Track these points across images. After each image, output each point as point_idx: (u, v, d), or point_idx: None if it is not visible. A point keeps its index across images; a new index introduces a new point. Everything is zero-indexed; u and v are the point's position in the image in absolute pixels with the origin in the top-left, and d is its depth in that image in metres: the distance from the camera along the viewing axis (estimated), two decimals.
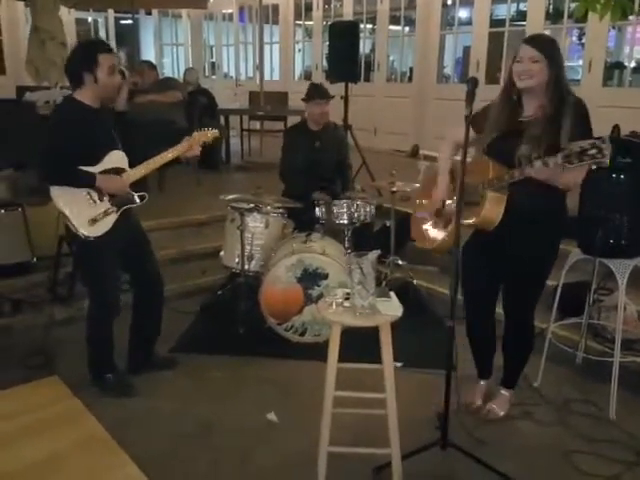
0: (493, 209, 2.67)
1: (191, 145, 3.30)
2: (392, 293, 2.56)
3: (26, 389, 1.82)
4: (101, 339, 3.27)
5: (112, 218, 3.06)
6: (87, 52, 3.00)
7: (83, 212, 2.98)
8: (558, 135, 2.54)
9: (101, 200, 3.03)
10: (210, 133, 3.41)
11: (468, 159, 2.65)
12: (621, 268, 3.15)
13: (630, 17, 6.74)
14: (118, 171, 3.08)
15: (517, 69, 2.65)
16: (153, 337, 3.53)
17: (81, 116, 2.98)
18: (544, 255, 2.86)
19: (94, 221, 3.00)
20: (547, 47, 2.61)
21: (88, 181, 2.97)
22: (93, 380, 3.27)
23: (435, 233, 3.02)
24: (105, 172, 3.03)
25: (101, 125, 3.06)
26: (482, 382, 3.27)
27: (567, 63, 8.42)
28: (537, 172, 2.51)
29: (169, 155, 3.24)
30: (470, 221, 2.73)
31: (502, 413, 3.13)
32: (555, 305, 3.46)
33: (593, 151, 2.30)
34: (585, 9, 3.64)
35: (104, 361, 3.31)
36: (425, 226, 3.09)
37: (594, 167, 2.38)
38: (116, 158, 3.09)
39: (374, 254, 2.35)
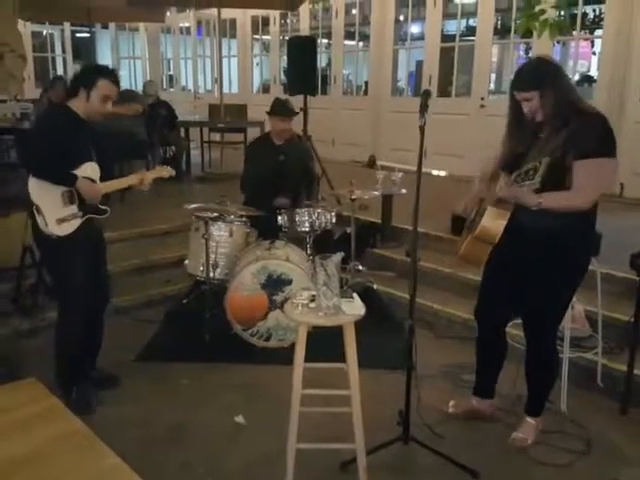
0: (492, 222, 2.64)
1: (143, 179, 3.42)
2: (355, 294, 2.68)
3: (4, 389, 1.86)
4: (72, 345, 3.24)
5: (77, 222, 3.15)
6: (92, 72, 3.17)
7: (54, 210, 3.06)
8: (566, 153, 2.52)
9: (72, 203, 3.12)
10: (166, 171, 3.63)
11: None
12: None
13: (574, 32, 7.11)
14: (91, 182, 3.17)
15: (524, 110, 2.66)
16: (97, 347, 3.48)
17: (71, 122, 3.10)
18: (557, 279, 2.77)
19: (61, 221, 3.08)
20: (530, 80, 2.60)
21: (70, 179, 3.06)
22: (60, 392, 3.24)
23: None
24: None
25: (85, 136, 3.17)
26: (474, 400, 3.28)
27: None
28: (499, 190, 2.53)
29: (130, 180, 3.40)
30: (474, 234, 2.73)
31: (529, 441, 3.01)
32: None
33: (531, 172, 2.37)
34: (527, 27, 3.88)
35: (72, 372, 3.28)
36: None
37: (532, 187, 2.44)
38: (90, 170, 3.18)
39: (338, 256, 2.46)
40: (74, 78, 3.22)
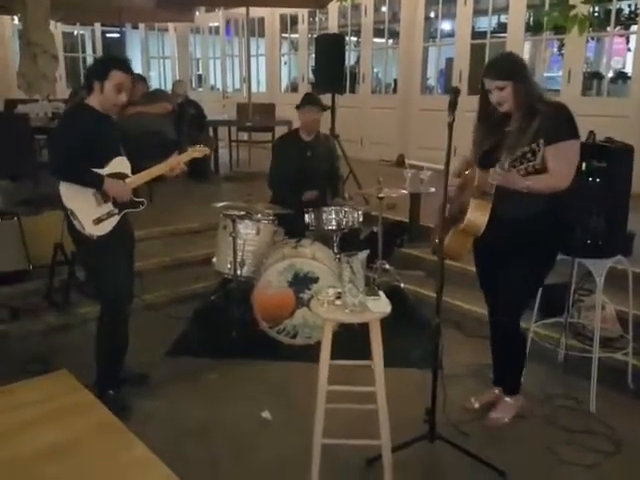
0: (476, 214, 2.75)
1: (173, 167, 3.39)
2: (381, 292, 2.68)
3: (39, 381, 1.91)
4: (117, 342, 3.25)
5: (114, 220, 3.17)
6: (103, 64, 3.19)
7: (89, 211, 3.09)
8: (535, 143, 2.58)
9: (106, 202, 3.14)
10: (198, 151, 3.55)
11: None
12: (598, 268, 3.28)
13: (608, 28, 6.98)
14: (122, 176, 3.18)
15: (492, 99, 2.80)
16: (125, 347, 3.39)
17: (92, 119, 3.10)
18: (529, 262, 2.88)
19: (99, 220, 3.11)
20: (505, 71, 2.74)
21: (97, 181, 3.07)
22: (96, 393, 3.23)
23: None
24: (110, 176, 3.12)
25: (109, 130, 3.18)
26: (496, 390, 3.31)
27: (547, 74, 8.66)
28: (493, 178, 2.63)
29: (160, 169, 3.36)
30: (460, 227, 2.81)
31: (506, 419, 3.13)
32: (536, 306, 3.60)
33: (529, 155, 2.45)
34: (556, 22, 3.84)
35: (111, 373, 3.28)
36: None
37: (530, 169, 2.49)
38: (120, 164, 3.19)
39: (364, 253, 2.47)
40: (87, 73, 3.28)
